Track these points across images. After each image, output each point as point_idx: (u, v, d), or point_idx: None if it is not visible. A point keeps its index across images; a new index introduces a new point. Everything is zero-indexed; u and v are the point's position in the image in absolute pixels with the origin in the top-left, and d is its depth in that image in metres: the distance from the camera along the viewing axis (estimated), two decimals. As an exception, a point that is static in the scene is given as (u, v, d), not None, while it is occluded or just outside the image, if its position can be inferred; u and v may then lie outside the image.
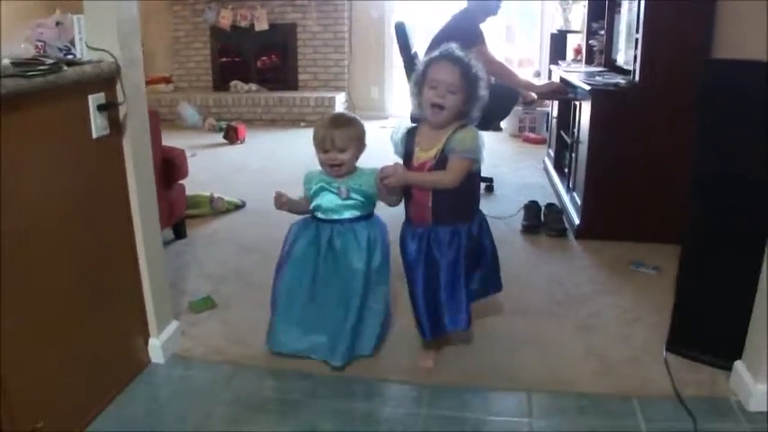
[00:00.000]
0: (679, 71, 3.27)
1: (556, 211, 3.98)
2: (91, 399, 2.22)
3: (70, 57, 2.27)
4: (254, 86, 7.97)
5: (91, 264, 2.20)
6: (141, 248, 2.42)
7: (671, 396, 2.25)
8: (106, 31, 2.20)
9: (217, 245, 3.74)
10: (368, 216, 2.50)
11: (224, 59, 8.20)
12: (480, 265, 2.44)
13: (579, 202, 3.80)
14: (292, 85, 7.99)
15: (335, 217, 2.45)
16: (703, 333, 2.44)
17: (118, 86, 2.23)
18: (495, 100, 3.62)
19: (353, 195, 2.43)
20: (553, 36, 5.92)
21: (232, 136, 6.54)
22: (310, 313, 2.48)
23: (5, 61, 1.85)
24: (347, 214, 2.45)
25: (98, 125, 2.16)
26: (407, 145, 2.37)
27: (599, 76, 3.95)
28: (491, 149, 6.14)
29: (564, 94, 4.32)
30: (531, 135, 6.61)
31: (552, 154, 5.10)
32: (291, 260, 2.48)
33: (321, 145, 2.40)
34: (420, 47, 4.57)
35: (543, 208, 4.02)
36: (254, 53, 8.17)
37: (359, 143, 2.43)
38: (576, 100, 4.04)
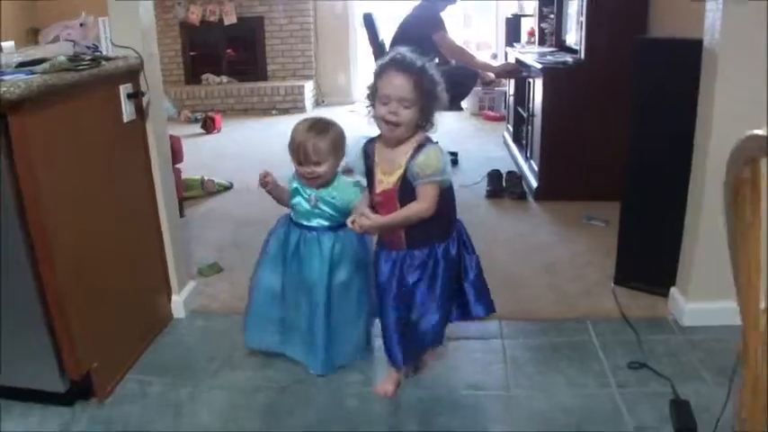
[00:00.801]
0: (619, 49, 3.68)
1: (516, 177, 4.44)
2: (131, 346, 2.62)
3: (98, 54, 2.65)
4: (225, 78, 8.30)
5: (124, 228, 2.60)
6: (163, 216, 2.81)
7: (618, 317, 2.71)
8: (129, 30, 2.59)
9: (213, 221, 4.12)
10: (338, 227, 2.38)
11: (194, 53, 8.49)
12: (463, 283, 2.29)
13: (536, 168, 4.27)
14: (262, 75, 8.34)
15: (304, 222, 2.40)
16: (643, 268, 2.90)
17: (141, 78, 2.62)
18: (456, 81, 4.07)
19: (322, 206, 2.36)
20: (508, 20, 6.35)
21: (209, 125, 6.90)
22: (284, 314, 2.48)
23: (62, 57, 2.22)
24: (315, 222, 2.39)
25: (128, 111, 2.55)
26: (367, 161, 2.21)
27: (550, 55, 4.40)
28: (453, 128, 6.65)
29: (518, 73, 4.78)
30: (491, 113, 7.07)
31: (511, 128, 5.56)
32: (265, 258, 2.48)
33: (296, 155, 2.32)
34: (387, 35, 5.00)
35: (504, 175, 4.48)
36: (224, 46, 8.48)
37: (337, 153, 2.33)
38: (530, 78, 4.49)
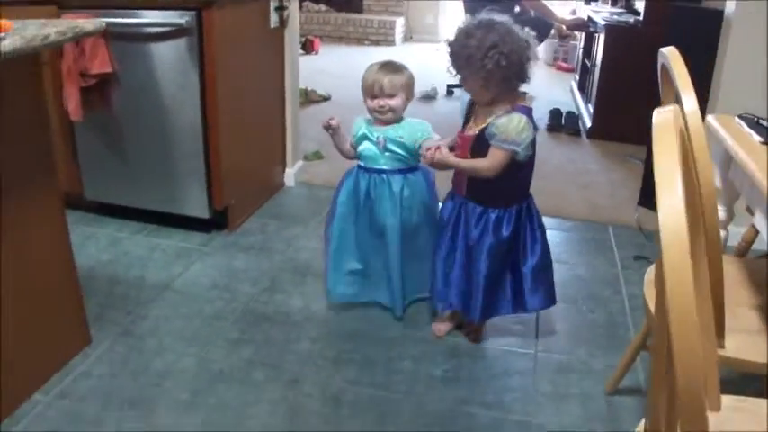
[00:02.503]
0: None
1: (574, 116, 5.16)
2: (256, 197, 3.51)
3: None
4: (323, 7, 9.05)
5: (261, 107, 3.45)
6: (288, 104, 3.65)
7: (635, 228, 3.44)
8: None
9: (315, 122, 4.88)
10: (408, 170, 2.46)
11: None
12: (521, 267, 2.28)
13: (591, 110, 4.97)
14: (358, 7, 9.07)
15: (374, 166, 2.45)
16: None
17: (286, -4, 3.44)
18: (535, 32, 4.75)
19: (391, 147, 2.40)
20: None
21: (308, 47, 7.70)
22: (362, 263, 2.56)
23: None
24: (385, 165, 2.43)
25: (273, 20, 3.37)
26: (468, 111, 2.30)
27: (616, 15, 5.04)
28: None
29: (586, 27, 5.43)
30: (564, 64, 7.69)
31: (577, 78, 6.22)
32: (337, 209, 2.52)
33: (370, 90, 2.38)
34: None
35: (564, 114, 5.19)
36: (325, -23, 9.20)
37: (408, 90, 2.40)
38: (596, 33, 5.15)
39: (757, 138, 1.73)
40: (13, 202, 1.95)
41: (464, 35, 2.08)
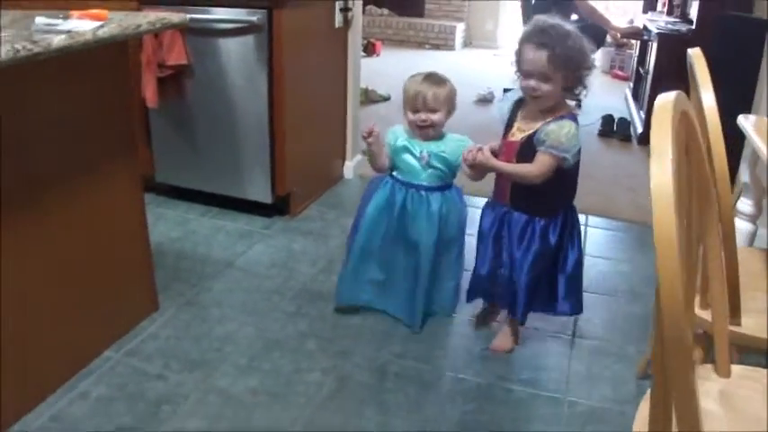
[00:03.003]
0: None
1: (625, 122, 5.25)
2: (316, 186, 3.70)
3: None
4: (386, 11, 9.26)
5: (324, 101, 3.65)
6: (349, 100, 3.84)
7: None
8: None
9: (374, 119, 5.13)
10: (445, 186, 2.43)
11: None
12: (558, 274, 2.29)
13: (643, 116, 5.06)
14: (419, 12, 9.24)
15: (413, 181, 2.40)
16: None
17: (350, -1, 3.63)
18: (589, 38, 4.87)
19: (434, 163, 2.37)
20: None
21: (370, 50, 7.91)
22: (382, 273, 2.53)
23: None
24: (425, 181, 2.39)
25: (338, 20, 3.57)
26: (512, 114, 2.24)
27: (670, 24, 5.12)
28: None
29: (640, 36, 5.52)
30: (620, 72, 7.75)
31: (632, 85, 6.29)
32: (365, 219, 2.46)
33: (412, 103, 2.34)
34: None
35: (616, 120, 5.29)
36: (388, -19, 9.41)
37: (450, 105, 2.37)
38: (650, 41, 5.24)
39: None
40: (98, 177, 2.18)
41: (564, 35, 2.01)
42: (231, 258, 3.00)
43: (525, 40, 2.07)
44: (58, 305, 2.10)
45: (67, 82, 2.01)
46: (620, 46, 7.37)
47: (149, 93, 3.09)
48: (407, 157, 2.40)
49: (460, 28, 8.95)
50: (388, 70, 7.21)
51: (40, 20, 1.82)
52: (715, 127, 1.42)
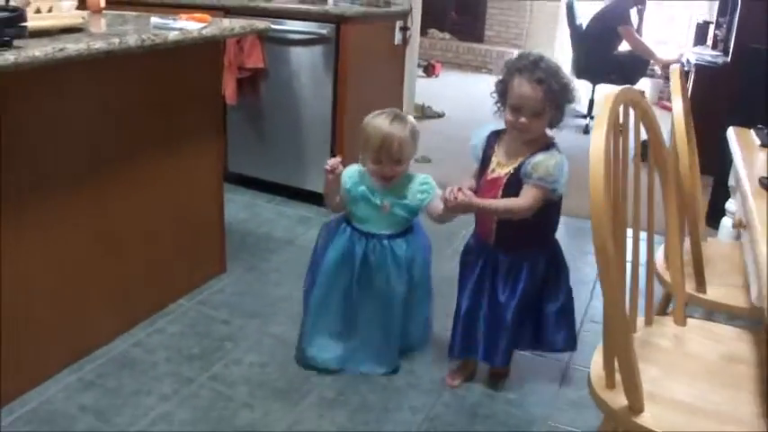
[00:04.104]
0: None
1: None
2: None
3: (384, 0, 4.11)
4: (447, 35, 9.72)
5: (381, 108, 4.07)
6: (404, 110, 4.24)
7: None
8: (407, -10, 4.05)
9: (428, 133, 5.54)
10: (408, 230, 2.28)
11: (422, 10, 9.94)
12: (545, 307, 2.20)
13: (679, 142, 5.39)
14: (479, 38, 9.67)
15: (373, 230, 2.23)
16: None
17: (408, 19, 4.07)
18: (630, 67, 5.24)
19: (397, 211, 2.21)
20: (698, 25, 7.32)
21: (430, 70, 8.36)
22: (345, 325, 2.34)
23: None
24: (386, 229, 2.23)
25: (398, 38, 4.02)
26: (486, 149, 2.14)
27: (710, 57, 5.45)
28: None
29: (681, 67, 5.86)
30: (667, 103, 8.04)
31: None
32: (322, 272, 2.28)
33: (375, 153, 2.14)
34: (586, 18, 6.20)
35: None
36: (450, 8, 9.86)
37: (413, 149, 2.21)
38: (689, 72, 5.58)
39: (757, 141, 2.21)
40: (189, 153, 2.66)
41: (555, 70, 1.97)
42: (291, 237, 3.45)
43: (516, 72, 1.98)
44: (148, 256, 2.57)
45: (175, 72, 2.50)
46: (667, 78, 7.67)
47: (229, 91, 3.57)
48: (366, 206, 2.22)
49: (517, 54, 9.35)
50: (445, 90, 7.64)
51: (155, 19, 2.31)
52: (680, 127, 1.81)
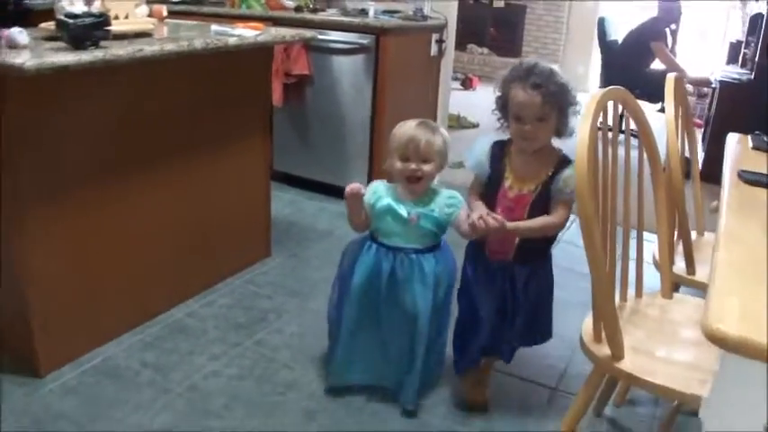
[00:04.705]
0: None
1: (686, 161, 5.78)
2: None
3: (423, 14, 4.40)
4: (485, 50, 10.00)
5: (418, 115, 4.34)
6: (438, 118, 4.56)
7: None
8: (443, 4, 4.35)
9: (462, 142, 5.85)
10: (436, 245, 2.21)
11: (463, 25, 10.24)
12: (532, 311, 2.21)
13: (703, 153, 5.60)
14: (516, 53, 9.92)
15: (400, 244, 2.17)
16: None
17: (444, 32, 4.36)
18: (657, 84, 5.46)
19: (424, 224, 2.14)
20: (731, 44, 7.51)
21: (467, 84, 8.66)
22: (375, 346, 2.29)
23: (409, 12, 4.01)
24: (414, 243, 2.16)
25: (434, 50, 4.31)
26: (495, 163, 2.10)
27: (736, 74, 5.66)
28: (657, 126, 7.90)
29: (708, 84, 6.08)
30: (698, 120, 8.20)
31: (703, 129, 6.82)
32: (353, 290, 2.23)
33: (402, 151, 2.10)
34: (621, 35, 6.45)
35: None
36: (489, 24, 10.15)
37: (443, 158, 2.16)
38: (715, 89, 5.80)
39: (750, 144, 2.45)
40: (241, 147, 2.99)
41: (550, 73, 1.98)
42: (331, 229, 3.76)
43: (512, 82, 2.00)
44: (203, 239, 2.90)
45: (231, 74, 2.82)
46: (700, 96, 7.88)
47: (276, 95, 3.90)
48: (392, 219, 2.16)
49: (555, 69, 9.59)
50: (480, 103, 7.89)
51: (215, 27, 2.64)
52: (670, 126, 2.09)
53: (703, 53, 9.72)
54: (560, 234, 2.22)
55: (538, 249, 2.15)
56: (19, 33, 2.03)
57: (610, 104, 1.79)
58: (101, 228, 2.40)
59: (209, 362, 2.50)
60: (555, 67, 2.01)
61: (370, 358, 2.31)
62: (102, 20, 2.06)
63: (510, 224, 1.99)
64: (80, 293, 2.39)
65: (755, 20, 6.00)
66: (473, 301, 2.22)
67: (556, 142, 2.09)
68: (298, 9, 4.20)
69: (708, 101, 7.23)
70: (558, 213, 2.02)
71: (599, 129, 1.71)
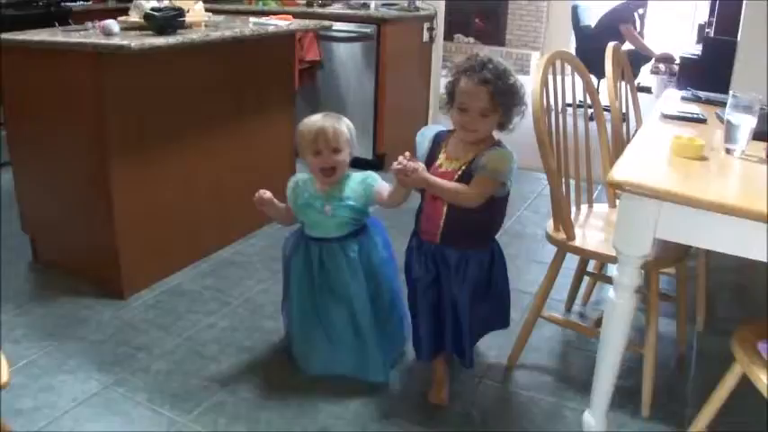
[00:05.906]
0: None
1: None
2: (405, 149, 5.08)
3: (416, 4, 5.05)
4: (472, 39, 10.65)
5: (414, 94, 5.05)
6: (432, 98, 5.22)
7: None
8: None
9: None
10: (360, 230, 2.29)
11: (449, 17, 10.79)
12: (486, 300, 2.21)
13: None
14: (501, 41, 10.58)
15: (323, 235, 2.25)
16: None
17: (434, 20, 5.01)
18: (635, 60, 6.14)
19: (341, 213, 2.22)
20: (699, 25, 8.15)
21: (455, 72, 9.29)
22: (326, 334, 2.34)
23: (403, 2, 4.67)
24: (335, 232, 2.24)
25: (425, 36, 4.97)
26: (433, 147, 2.16)
27: (697, 51, 6.31)
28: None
29: (672, 60, 6.76)
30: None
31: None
32: (292, 284, 2.36)
33: (312, 146, 2.17)
34: (594, 21, 7.10)
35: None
36: (474, 14, 10.75)
37: (351, 146, 2.24)
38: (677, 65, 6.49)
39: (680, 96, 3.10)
40: (273, 115, 3.65)
41: (503, 71, 2.01)
42: (342, 190, 4.39)
43: (463, 73, 2.02)
44: (243, 194, 3.47)
45: (266, 57, 3.49)
46: (671, 74, 8.57)
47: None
48: (312, 212, 2.26)
49: (535, 56, 10.24)
50: (468, 87, 8.56)
51: (254, 19, 3.30)
52: (609, 83, 2.75)
53: (678, 35, 10.34)
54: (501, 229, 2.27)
55: (465, 233, 2.13)
56: (113, 23, 2.67)
57: (558, 63, 2.44)
58: (169, 179, 3.05)
59: (258, 284, 3.16)
60: (505, 63, 2.06)
61: (324, 348, 2.36)
62: (179, 13, 2.72)
63: (426, 174, 2.01)
64: (154, 233, 3.04)
65: (714, 2, 6.67)
66: (414, 281, 2.22)
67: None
68: (309, 4, 4.88)
69: (676, 77, 7.91)
70: (474, 186, 2.02)
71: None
